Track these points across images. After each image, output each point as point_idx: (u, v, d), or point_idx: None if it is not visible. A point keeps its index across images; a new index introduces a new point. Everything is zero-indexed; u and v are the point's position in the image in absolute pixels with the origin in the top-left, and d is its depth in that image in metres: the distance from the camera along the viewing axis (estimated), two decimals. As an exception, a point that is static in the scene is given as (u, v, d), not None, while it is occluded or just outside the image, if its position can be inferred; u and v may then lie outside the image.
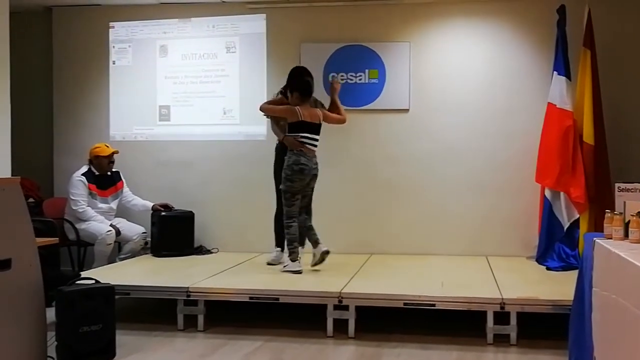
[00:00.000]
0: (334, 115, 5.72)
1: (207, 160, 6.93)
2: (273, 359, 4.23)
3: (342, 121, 5.77)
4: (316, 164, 5.54)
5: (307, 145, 5.50)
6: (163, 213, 6.52)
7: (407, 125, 6.55)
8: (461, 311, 4.63)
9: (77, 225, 6.28)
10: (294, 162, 5.44)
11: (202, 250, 6.62)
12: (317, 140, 5.55)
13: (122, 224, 6.51)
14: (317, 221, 6.12)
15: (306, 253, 5.64)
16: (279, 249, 5.89)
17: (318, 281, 5.18)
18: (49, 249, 4.76)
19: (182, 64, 7.02)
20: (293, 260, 5.48)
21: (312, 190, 5.66)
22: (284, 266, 5.54)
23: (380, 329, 4.79)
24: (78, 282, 4.22)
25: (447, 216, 6.49)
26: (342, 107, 5.76)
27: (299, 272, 5.42)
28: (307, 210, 5.70)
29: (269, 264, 5.83)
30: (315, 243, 5.55)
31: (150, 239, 6.57)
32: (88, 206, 6.33)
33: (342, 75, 6.58)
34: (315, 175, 5.57)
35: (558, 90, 5.84)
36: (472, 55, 6.49)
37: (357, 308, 4.67)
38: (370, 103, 6.55)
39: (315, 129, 5.54)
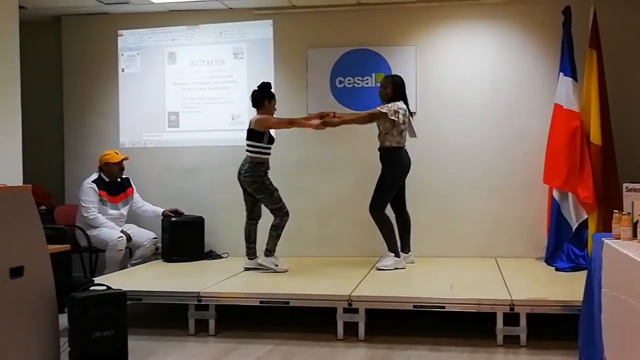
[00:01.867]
0: (271, 119, 5.80)
1: (216, 166, 6.96)
2: (284, 363, 4.26)
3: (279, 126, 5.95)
4: (244, 169, 5.73)
5: None
6: (173, 219, 6.56)
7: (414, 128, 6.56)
8: (471, 313, 4.63)
9: (88, 232, 6.32)
10: None
11: (212, 255, 6.65)
12: (247, 145, 5.76)
13: (133, 229, 6.55)
14: (327, 225, 6.16)
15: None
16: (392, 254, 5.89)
17: (328, 284, 5.21)
18: (60, 256, 4.80)
19: (191, 70, 7.07)
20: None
21: (256, 196, 5.79)
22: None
23: (390, 331, 4.81)
24: (90, 288, 4.25)
25: (455, 218, 6.50)
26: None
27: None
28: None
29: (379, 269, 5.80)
30: None
31: (160, 245, 6.60)
32: (99, 213, 6.38)
33: (349, 80, 6.62)
34: (245, 182, 5.74)
35: (564, 92, 5.84)
36: (478, 58, 6.51)
37: (367, 311, 4.69)
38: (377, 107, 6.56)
39: (247, 133, 5.80)
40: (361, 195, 6.03)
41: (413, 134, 5.93)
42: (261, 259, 5.75)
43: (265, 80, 5.93)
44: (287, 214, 5.74)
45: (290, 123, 5.88)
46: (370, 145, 6.14)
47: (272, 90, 5.90)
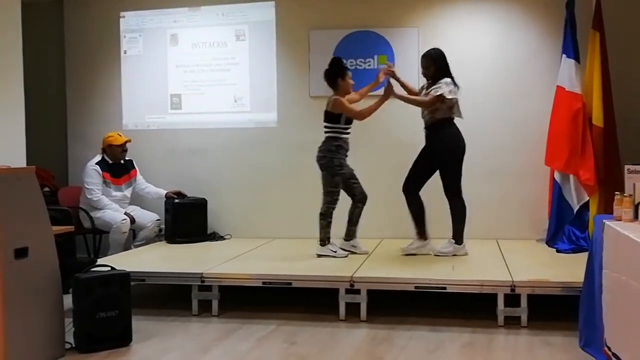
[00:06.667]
0: (345, 105, 5.53)
1: (218, 148, 6.97)
2: (286, 343, 4.28)
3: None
4: (319, 146, 5.57)
5: None
6: (176, 200, 6.58)
7: (417, 110, 6.53)
8: (472, 294, 4.67)
9: (92, 214, 6.34)
10: None
11: (215, 237, 6.67)
12: (324, 127, 5.60)
13: (136, 211, 6.57)
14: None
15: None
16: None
17: (330, 266, 5.23)
18: (64, 237, 4.84)
19: (193, 52, 7.05)
20: None
21: (321, 171, 5.63)
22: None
23: (391, 312, 4.84)
24: (94, 269, 4.28)
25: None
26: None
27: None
28: None
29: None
30: None
31: (164, 226, 6.63)
32: (102, 194, 6.40)
33: (351, 62, 6.59)
34: (317, 157, 5.58)
35: (567, 73, 5.82)
36: (480, 40, 6.48)
37: (369, 292, 4.72)
38: (379, 88, 6.50)
39: (324, 115, 5.63)
40: (363, 177, 6.03)
41: (459, 114, 5.61)
42: (317, 249, 5.56)
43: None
44: (335, 201, 5.54)
45: (362, 115, 5.50)
46: (378, 125, 6.14)
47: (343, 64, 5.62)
